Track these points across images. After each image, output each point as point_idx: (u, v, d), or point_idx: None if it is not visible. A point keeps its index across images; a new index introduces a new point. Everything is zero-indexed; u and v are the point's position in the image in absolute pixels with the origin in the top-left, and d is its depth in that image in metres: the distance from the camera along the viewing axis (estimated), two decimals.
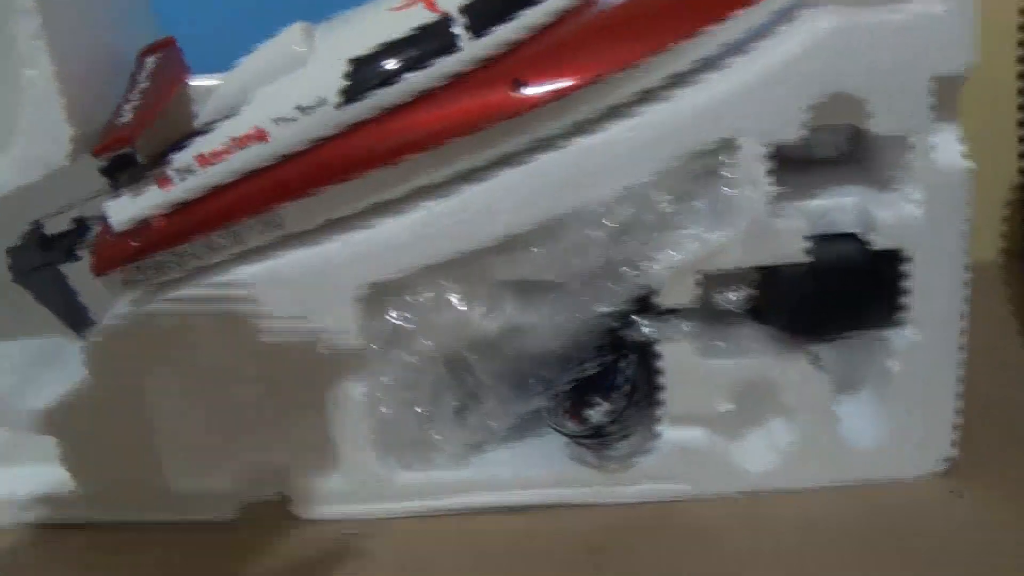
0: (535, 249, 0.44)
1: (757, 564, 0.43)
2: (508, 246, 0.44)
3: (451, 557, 0.44)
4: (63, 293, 0.47)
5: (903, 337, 0.44)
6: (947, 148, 0.43)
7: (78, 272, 0.46)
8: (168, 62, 0.46)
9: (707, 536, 0.45)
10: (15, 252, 0.45)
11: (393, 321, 0.45)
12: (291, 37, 0.43)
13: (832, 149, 0.47)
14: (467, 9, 0.41)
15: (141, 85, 0.44)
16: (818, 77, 0.41)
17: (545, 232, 0.43)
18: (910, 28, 0.41)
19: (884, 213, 0.43)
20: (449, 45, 0.41)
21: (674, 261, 0.43)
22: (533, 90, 0.41)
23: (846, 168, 0.46)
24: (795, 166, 0.44)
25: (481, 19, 0.41)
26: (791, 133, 0.42)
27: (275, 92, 0.43)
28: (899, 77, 0.41)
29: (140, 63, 0.46)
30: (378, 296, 0.44)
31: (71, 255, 0.46)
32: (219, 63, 0.44)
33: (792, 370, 0.45)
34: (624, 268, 0.44)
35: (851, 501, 0.46)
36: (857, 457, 0.46)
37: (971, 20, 0.41)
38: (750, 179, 0.42)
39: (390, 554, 0.45)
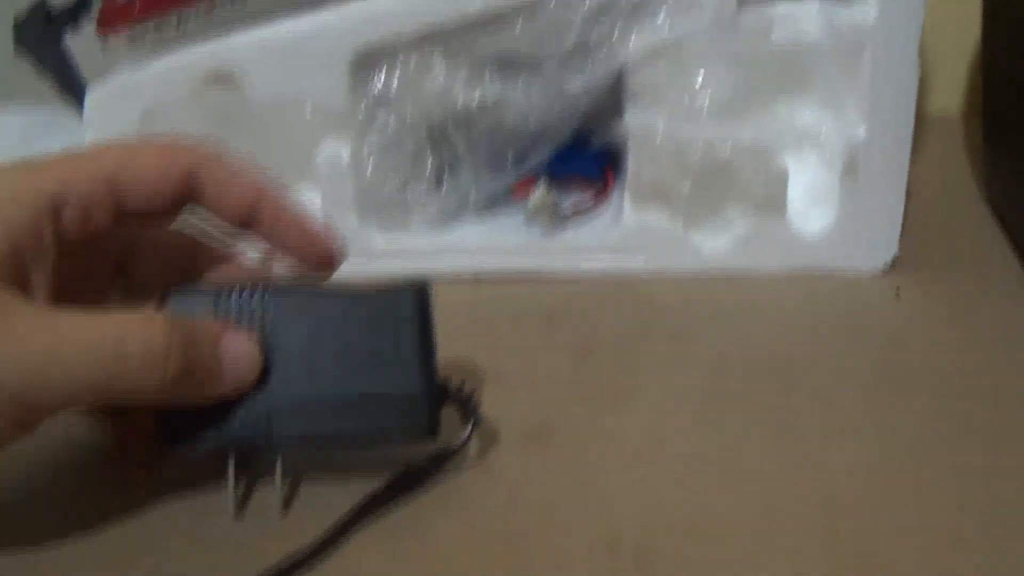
0: (516, 26, 0.46)
1: (702, 337, 0.45)
2: (492, 22, 0.47)
3: None
4: (64, 63, 0.49)
5: (857, 132, 0.47)
6: None
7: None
8: None
9: (659, 311, 0.47)
10: (20, 21, 0.48)
11: (380, 87, 0.47)
12: None
13: None
14: None
15: None
16: None
17: (526, 11, 0.46)
18: None
19: (841, 15, 0.46)
20: None
21: (645, 44, 0.46)
22: None
23: None
24: None
25: None
26: None
27: None
28: None
29: None
30: (367, 62, 0.47)
31: (73, 24, 0.49)
32: None
33: (748, 154, 0.48)
34: (598, 48, 0.46)
35: (796, 289, 0.48)
36: (806, 246, 0.49)
37: None
38: None
39: None
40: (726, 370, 0.42)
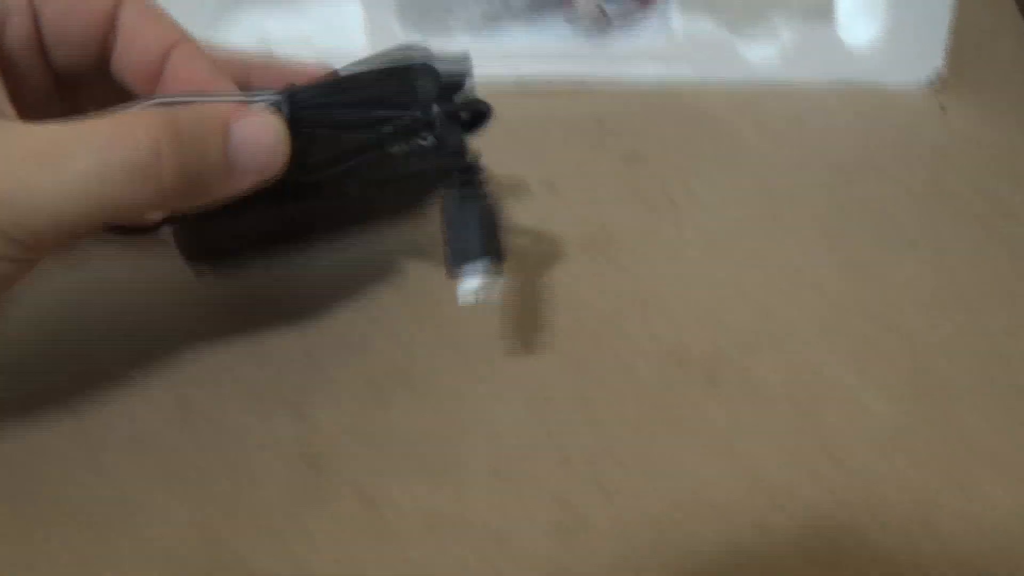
0: None
1: (752, 146, 0.45)
2: None
3: None
4: None
5: None
6: None
7: None
8: None
9: (707, 120, 0.47)
10: None
11: None
12: None
13: None
14: None
15: None
16: None
17: None
18: None
19: None
20: None
21: None
22: None
23: None
24: None
25: None
26: None
27: None
28: None
29: None
30: None
31: None
32: None
33: None
34: None
35: (842, 102, 0.48)
36: (852, 58, 0.48)
37: None
38: None
39: None
40: (777, 179, 0.43)
